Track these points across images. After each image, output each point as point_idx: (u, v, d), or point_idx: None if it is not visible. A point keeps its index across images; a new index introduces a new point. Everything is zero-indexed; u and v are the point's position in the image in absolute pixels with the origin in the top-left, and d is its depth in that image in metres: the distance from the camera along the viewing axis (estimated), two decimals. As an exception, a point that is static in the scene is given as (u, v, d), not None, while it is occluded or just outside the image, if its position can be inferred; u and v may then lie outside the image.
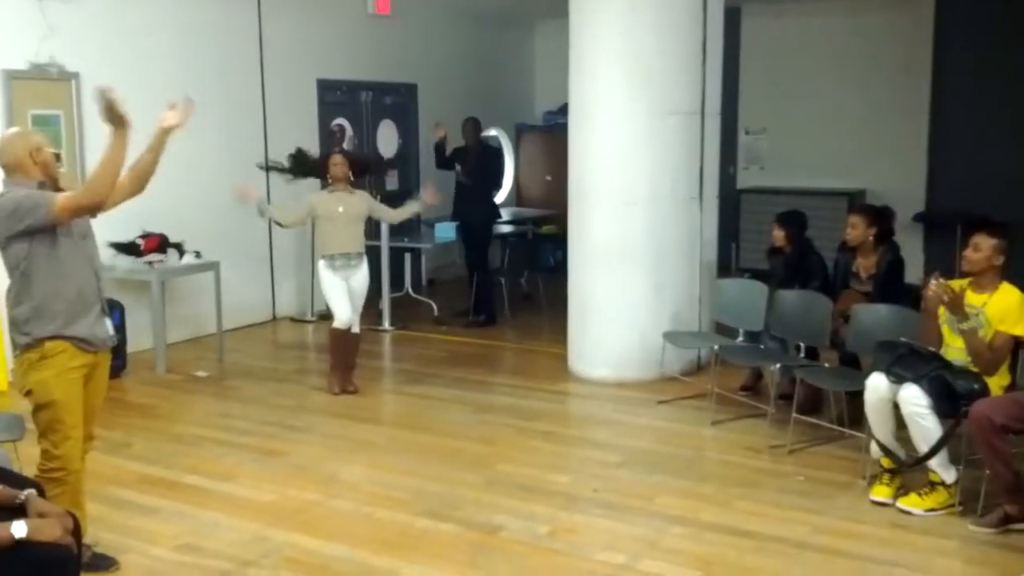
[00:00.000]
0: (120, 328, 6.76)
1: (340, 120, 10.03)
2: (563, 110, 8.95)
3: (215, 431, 6.04)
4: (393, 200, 8.21)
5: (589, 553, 4.32)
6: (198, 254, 7.77)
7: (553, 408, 6.58)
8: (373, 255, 7.01)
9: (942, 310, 4.74)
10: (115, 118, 3.71)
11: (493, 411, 6.42)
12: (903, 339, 4.79)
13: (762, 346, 6.32)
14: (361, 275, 6.83)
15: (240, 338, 8.47)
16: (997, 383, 4.68)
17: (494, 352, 8.22)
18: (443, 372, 7.38)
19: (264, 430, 6.05)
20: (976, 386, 4.54)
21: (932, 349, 4.74)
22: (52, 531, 3.10)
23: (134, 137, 3.78)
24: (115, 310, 6.57)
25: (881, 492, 4.79)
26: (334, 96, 9.88)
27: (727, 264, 9.57)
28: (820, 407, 6.00)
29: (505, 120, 12.24)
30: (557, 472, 5.30)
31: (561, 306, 7.60)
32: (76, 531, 3.32)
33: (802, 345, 6.13)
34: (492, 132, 11.86)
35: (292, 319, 9.30)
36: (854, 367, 5.83)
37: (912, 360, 4.64)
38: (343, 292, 6.73)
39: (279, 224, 7.13)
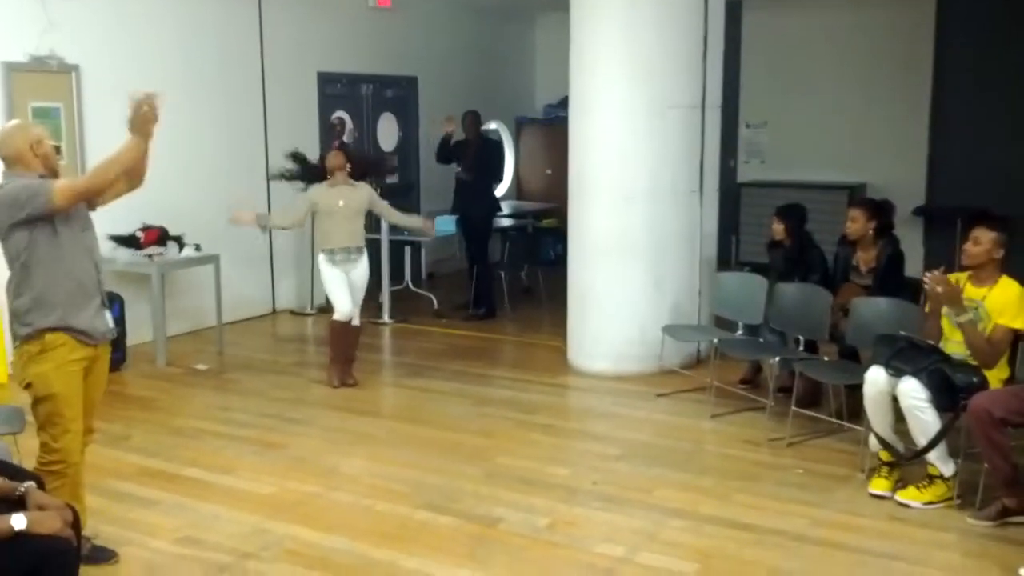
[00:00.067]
0: (120, 321, 6.76)
1: (340, 113, 10.02)
2: (563, 103, 8.97)
3: (215, 424, 6.05)
4: (394, 194, 8.23)
5: (588, 545, 4.33)
6: (198, 247, 7.76)
7: (553, 401, 6.59)
8: (373, 248, 7.00)
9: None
10: (139, 127, 3.74)
11: (493, 404, 6.43)
12: (902, 332, 4.79)
13: (761, 339, 6.32)
14: (361, 268, 6.83)
15: (240, 331, 8.47)
16: (996, 376, 4.68)
17: (494, 345, 8.23)
18: (443, 365, 7.39)
19: (264, 423, 6.05)
20: (975, 379, 4.55)
21: (931, 343, 4.74)
22: (52, 523, 3.11)
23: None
24: (115, 303, 6.58)
25: (880, 485, 4.80)
26: (334, 89, 9.87)
27: (727, 258, 9.57)
28: (819, 400, 6.01)
29: (505, 113, 12.23)
30: (556, 465, 5.30)
31: (561, 299, 7.61)
32: (76, 523, 3.33)
33: (801, 338, 6.13)
34: (492, 125, 11.85)
35: (292, 312, 9.31)
36: (853, 360, 5.84)
37: (911, 353, 4.65)
38: (343, 284, 6.73)
39: (283, 229, 7.09)
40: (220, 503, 4.78)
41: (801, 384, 5.77)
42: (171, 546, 4.31)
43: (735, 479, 5.06)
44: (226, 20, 8.54)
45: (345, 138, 9.91)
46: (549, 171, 12.02)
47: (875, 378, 4.77)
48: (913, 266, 6.46)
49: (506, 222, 10.50)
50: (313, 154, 8.91)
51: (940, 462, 4.63)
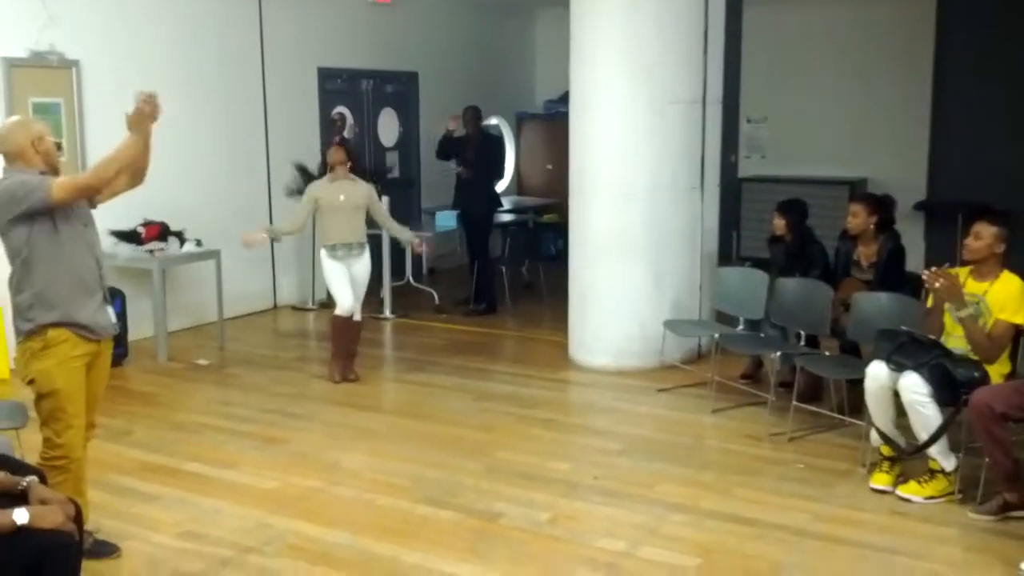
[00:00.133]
0: (121, 316, 6.74)
1: (341, 108, 10.01)
2: (564, 98, 8.96)
3: (216, 419, 6.05)
4: (395, 189, 8.20)
5: (589, 540, 4.33)
6: (199, 242, 7.77)
7: (553, 396, 6.59)
8: (374, 243, 6.99)
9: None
10: (137, 124, 3.76)
11: (493, 399, 6.43)
12: (904, 327, 4.80)
13: (762, 334, 6.32)
14: (363, 263, 6.83)
15: (241, 326, 8.47)
16: (997, 371, 4.68)
17: (495, 340, 8.23)
18: (444, 360, 7.39)
19: (265, 418, 6.06)
20: (976, 374, 4.55)
21: (932, 337, 4.74)
22: (54, 518, 3.12)
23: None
24: (116, 298, 6.55)
25: (881, 480, 4.81)
26: (335, 84, 9.87)
27: (728, 253, 9.56)
28: (820, 395, 6.01)
29: (506, 108, 12.22)
30: (557, 460, 5.31)
31: (562, 295, 7.61)
32: (78, 518, 3.33)
33: (802, 333, 6.13)
34: (493, 120, 11.84)
35: (293, 307, 9.31)
36: (854, 355, 5.84)
37: (912, 348, 4.65)
38: (345, 279, 6.73)
39: (291, 234, 7.04)
40: (222, 498, 4.79)
41: (802, 379, 5.77)
42: (173, 540, 4.32)
43: (736, 474, 5.06)
44: (226, 15, 8.53)
45: (346, 133, 9.90)
46: (550, 166, 12.01)
47: (876, 373, 4.77)
48: (914, 261, 6.47)
49: (507, 217, 10.49)
50: (313, 155, 8.91)
51: (941, 457, 4.63)
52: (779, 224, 6.42)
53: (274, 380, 6.91)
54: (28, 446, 4.27)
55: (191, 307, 8.21)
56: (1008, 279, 4.72)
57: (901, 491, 4.71)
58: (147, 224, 7.49)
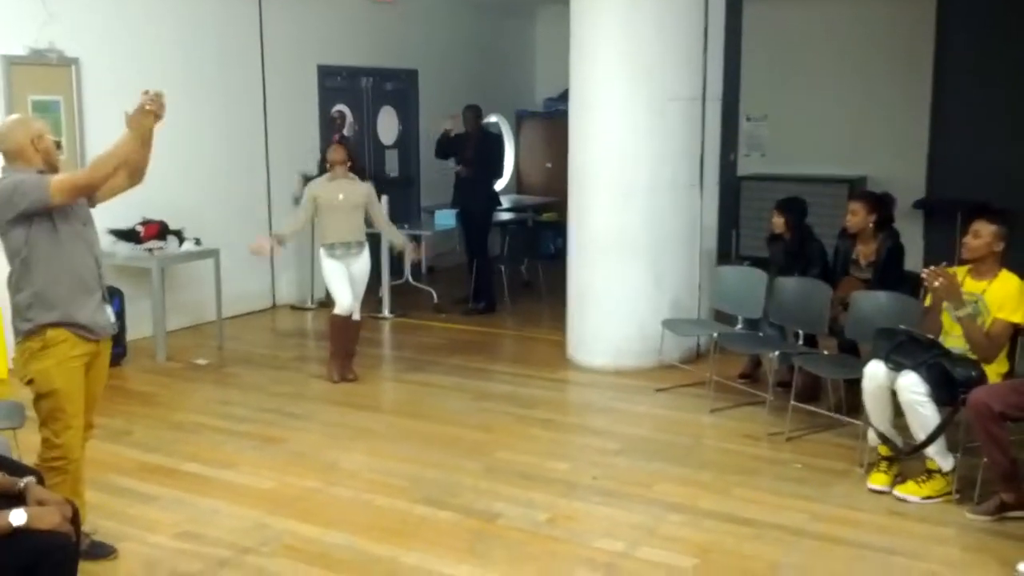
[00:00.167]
0: (120, 315, 6.73)
1: (340, 106, 10.01)
2: (564, 97, 8.95)
3: (215, 419, 6.05)
4: (395, 186, 8.16)
5: (588, 540, 4.33)
6: (198, 241, 7.76)
7: (552, 396, 6.59)
8: (374, 243, 6.98)
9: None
10: (135, 122, 3.78)
11: (492, 399, 6.43)
12: (902, 326, 4.79)
13: (761, 334, 6.32)
14: (362, 262, 6.82)
15: (240, 326, 8.47)
16: (995, 370, 4.68)
17: (493, 340, 8.23)
18: (442, 360, 7.39)
19: (264, 418, 6.06)
20: (974, 373, 4.54)
21: (931, 337, 4.74)
22: (51, 519, 3.12)
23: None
24: (115, 297, 6.56)
25: (879, 480, 4.81)
26: (334, 82, 9.86)
27: (727, 251, 9.56)
28: (818, 395, 6.01)
29: (505, 106, 12.22)
30: (556, 460, 5.31)
31: (561, 294, 7.61)
32: (75, 519, 3.34)
33: (801, 332, 6.13)
34: (492, 118, 11.84)
35: (292, 307, 9.31)
36: (853, 355, 5.84)
37: (911, 348, 4.65)
38: (344, 278, 6.72)
39: (296, 233, 7.03)
40: (220, 498, 4.79)
41: (800, 378, 5.77)
42: (170, 541, 4.32)
43: (734, 473, 5.06)
44: (226, 13, 8.52)
45: (345, 131, 9.90)
46: (549, 164, 12.01)
47: (874, 372, 4.77)
48: (913, 259, 6.47)
49: (506, 216, 10.50)
50: (314, 155, 8.90)
51: (939, 457, 4.63)
52: (778, 222, 6.41)
53: (273, 380, 6.91)
54: (26, 446, 4.27)
55: (190, 306, 8.20)
56: (1006, 278, 4.72)
57: (899, 491, 4.71)
58: (146, 223, 7.48)
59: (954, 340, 4.76)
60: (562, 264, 7.62)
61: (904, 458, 4.82)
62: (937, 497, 4.63)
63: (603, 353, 7.01)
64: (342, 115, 10.01)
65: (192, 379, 6.95)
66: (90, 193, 3.93)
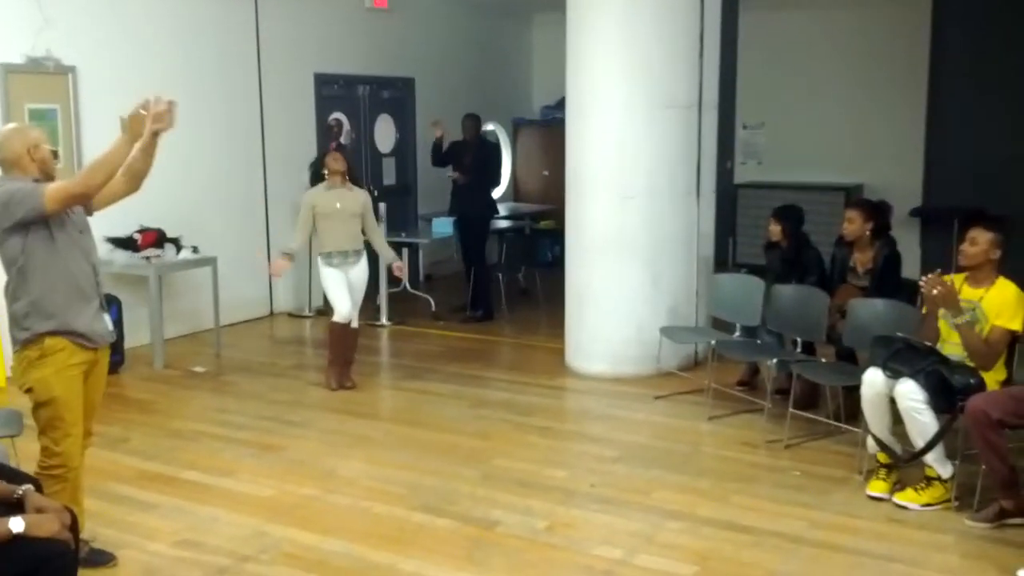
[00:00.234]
0: (118, 323, 6.75)
1: (337, 114, 10.02)
2: (560, 105, 8.96)
3: (213, 426, 6.04)
4: (392, 195, 8.15)
5: (586, 548, 4.33)
6: (195, 249, 7.77)
7: (550, 403, 6.59)
8: (371, 251, 6.98)
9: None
10: (130, 127, 3.78)
11: (490, 406, 6.43)
12: (900, 334, 4.80)
13: (759, 341, 6.33)
14: (360, 270, 6.82)
15: (237, 333, 8.47)
16: (993, 378, 4.68)
17: (491, 347, 8.22)
18: (440, 367, 7.39)
19: (262, 425, 6.05)
20: (972, 381, 4.54)
21: (928, 344, 4.75)
22: (50, 526, 3.12)
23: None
24: (113, 305, 6.57)
25: (877, 487, 4.80)
26: (331, 90, 9.87)
27: (724, 259, 9.58)
28: (817, 402, 6.01)
29: (502, 115, 12.23)
30: (554, 467, 5.30)
31: (558, 301, 7.61)
32: (74, 526, 3.33)
33: (799, 340, 6.13)
34: (489, 127, 11.84)
35: (290, 315, 9.30)
36: (851, 362, 5.84)
37: (909, 355, 4.65)
38: (343, 285, 6.72)
39: (303, 243, 7.01)
40: (218, 506, 4.78)
41: (799, 386, 5.77)
42: (169, 549, 4.31)
43: (733, 481, 5.06)
44: (223, 21, 8.53)
45: (342, 139, 9.91)
46: (546, 172, 12.03)
47: (873, 380, 4.77)
48: (910, 267, 6.47)
49: (503, 224, 10.50)
50: (311, 162, 8.90)
51: (938, 464, 4.63)
52: (775, 230, 6.42)
53: (271, 387, 6.91)
54: (24, 455, 4.27)
55: (187, 314, 8.20)
56: (1003, 285, 4.72)
57: (898, 498, 4.71)
58: (143, 231, 7.49)
59: (952, 347, 4.76)
60: (559, 272, 7.63)
61: (903, 465, 4.83)
62: (936, 504, 4.63)
63: (601, 359, 7.01)
64: (339, 123, 10.02)
65: (190, 387, 6.94)
66: (85, 201, 3.91)
